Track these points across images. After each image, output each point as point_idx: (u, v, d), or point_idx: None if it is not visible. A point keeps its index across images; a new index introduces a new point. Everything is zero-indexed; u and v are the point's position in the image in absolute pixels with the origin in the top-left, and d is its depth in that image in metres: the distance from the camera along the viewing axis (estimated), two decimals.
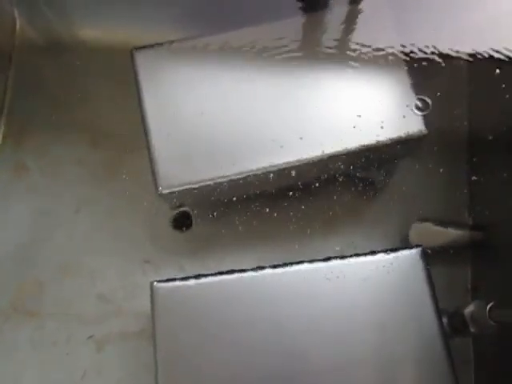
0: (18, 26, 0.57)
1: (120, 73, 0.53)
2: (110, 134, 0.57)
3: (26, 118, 0.57)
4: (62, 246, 0.53)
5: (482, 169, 0.54)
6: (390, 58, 0.46)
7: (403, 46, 0.47)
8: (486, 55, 0.50)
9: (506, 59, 0.48)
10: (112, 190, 0.55)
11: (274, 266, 0.42)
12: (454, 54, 0.52)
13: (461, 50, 0.52)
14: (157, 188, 0.43)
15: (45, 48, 0.59)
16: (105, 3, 0.57)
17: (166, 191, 0.43)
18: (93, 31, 0.58)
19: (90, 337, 0.51)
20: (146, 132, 0.43)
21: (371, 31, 0.46)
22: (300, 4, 0.50)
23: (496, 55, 0.49)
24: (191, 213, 0.54)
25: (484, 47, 0.51)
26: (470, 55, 0.52)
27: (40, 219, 0.54)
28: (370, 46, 0.46)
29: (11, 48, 0.57)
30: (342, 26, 0.46)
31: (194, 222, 0.54)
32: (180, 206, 0.54)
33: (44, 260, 0.53)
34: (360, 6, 0.47)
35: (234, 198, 0.51)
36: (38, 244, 0.54)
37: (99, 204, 0.55)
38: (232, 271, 0.42)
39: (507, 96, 0.48)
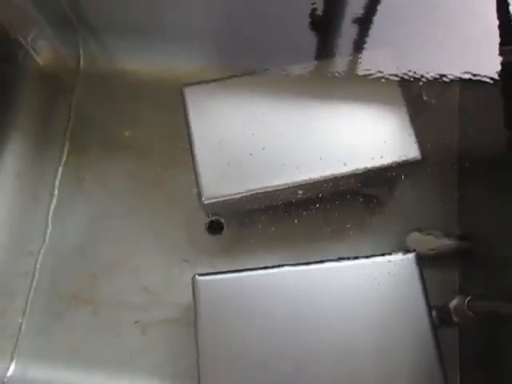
0: (81, 64, 0.64)
1: (166, 103, 0.61)
2: (154, 153, 0.61)
3: (85, 139, 0.62)
4: (113, 246, 0.58)
5: (469, 187, 0.57)
6: (392, 96, 0.51)
7: (403, 84, 0.52)
8: (474, 79, 0.53)
9: (492, 83, 0.51)
10: (155, 200, 0.59)
11: (292, 265, 0.47)
12: (444, 81, 0.55)
13: (450, 74, 0.55)
14: (200, 199, 0.48)
15: (102, 81, 0.64)
16: (157, 44, 0.63)
17: (208, 202, 0.48)
18: (145, 67, 0.64)
19: (136, 322, 0.56)
20: (192, 154, 0.49)
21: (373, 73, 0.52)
22: (314, 52, 0.57)
23: (483, 79, 0.52)
24: (223, 220, 0.58)
25: (472, 72, 0.54)
26: (458, 80, 0.55)
27: (95, 222, 0.59)
28: (373, 87, 0.51)
29: (75, 82, 0.64)
30: (349, 71, 0.53)
31: (225, 228, 0.58)
32: (214, 214, 0.58)
33: (99, 258, 0.58)
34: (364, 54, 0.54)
35: (261, 208, 0.55)
36: (93, 243, 0.59)
37: (145, 211, 0.59)
38: (259, 268, 0.46)
39: (493, 120, 0.52)
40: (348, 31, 0.59)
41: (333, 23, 0.59)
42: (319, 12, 0.58)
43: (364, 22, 0.59)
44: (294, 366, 0.44)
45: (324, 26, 0.59)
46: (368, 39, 0.58)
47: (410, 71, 0.55)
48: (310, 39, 0.59)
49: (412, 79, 0.54)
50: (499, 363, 0.48)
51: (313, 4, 0.57)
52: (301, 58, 0.55)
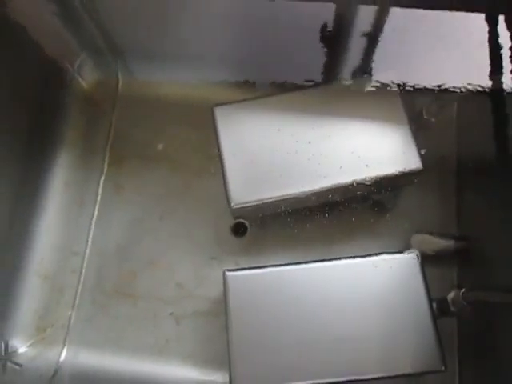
0: (120, 84, 0.69)
1: (194, 120, 0.65)
2: (185, 163, 0.65)
3: (124, 152, 0.67)
4: (149, 246, 0.62)
5: (466, 194, 0.61)
6: (396, 115, 0.54)
7: (406, 104, 0.55)
8: (472, 91, 0.56)
9: (490, 95, 0.55)
10: (186, 204, 0.63)
11: (309, 262, 0.50)
12: (443, 93, 0.58)
13: (449, 87, 0.58)
14: (229, 203, 0.52)
15: (138, 102, 0.68)
16: (185, 69, 0.68)
17: (236, 207, 0.53)
18: (175, 88, 0.68)
19: (171, 313, 0.59)
20: (222, 165, 0.53)
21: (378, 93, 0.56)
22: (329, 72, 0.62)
23: (481, 90, 0.55)
24: (246, 223, 0.62)
25: (469, 83, 0.57)
26: (457, 91, 0.58)
27: (133, 225, 0.63)
28: (380, 107, 0.55)
29: (114, 102, 0.68)
30: (359, 92, 0.56)
31: (248, 230, 0.62)
32: (238, 218, 0.61)
33: (137, 256, 0.62)
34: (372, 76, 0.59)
35: (280, 212, 0.58)
36: (132, 244, 0.62)
37: (177, 214, 0.63)
38: (280, 264, 0.51)
39: (490, 129, 0.54)
40: (357, 52, 0.63)
41: (342, 44, 0.63)
42: (330, 33, 0.61)
43: (371, 43, 0.63)
44: (309, 348, 0.47)
45: (334, 46, 0.63)
46: (375, 60, 0.62)
47: (412, 87, 0.58)
48: (323, 60, 0.64)
49: (414, 92, 0.58)
50: (493, 348, 0.51)
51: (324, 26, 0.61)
52: (315, 78, 0.60)
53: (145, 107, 0.68)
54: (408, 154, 0.53)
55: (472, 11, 0.53)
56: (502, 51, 0.52)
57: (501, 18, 0.52)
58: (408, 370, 0.47)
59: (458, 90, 0.58)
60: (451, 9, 0.53)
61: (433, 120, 0.57)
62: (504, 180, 0.51)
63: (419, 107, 0.58)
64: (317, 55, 0.63)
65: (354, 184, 0.53)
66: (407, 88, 0.58)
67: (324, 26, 0.60)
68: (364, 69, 0.62)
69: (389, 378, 0.47)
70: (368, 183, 0.54)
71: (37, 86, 0.63)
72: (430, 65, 0.61)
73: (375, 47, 0.62)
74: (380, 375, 0.47)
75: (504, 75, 0.53)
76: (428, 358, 0.47)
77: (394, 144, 0.54)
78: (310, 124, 0.55)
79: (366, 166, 0.54)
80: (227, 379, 0.47)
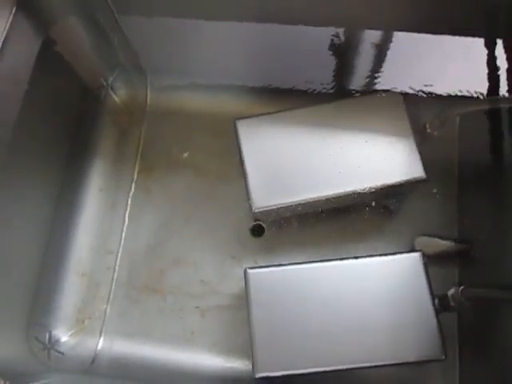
0: (149, 98, 0.73)
1: (217, 130, 0.69)
2: (208, 170, 0.68)
3: (152, 160, 0.70)
4: (176, 246, 0.65)
5: (466, 200, 0.63)
6: (402, 129, 0.57)
7: (411, 119, 0.58)
8: (473, 106, 0.57)
9: (489, 110, 0.56)
10: (210, 208, 0.67)
11: (321, 261, 0.53)
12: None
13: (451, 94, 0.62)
14: (251, 208, 0.56)
15: (165, 114, 0.72)
16: (209, 84, 0.71)
17: (257, 211, 0.56)
18: (200, 102, 0.72)
19: (196, 307, 0.62)
20: (244, 174, 0.57)
21: (384, 111, 0.59)
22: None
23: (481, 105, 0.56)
24: (264, 224, 0.66)
25: (470, 92, 0.60)
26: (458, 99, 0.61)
27: (161, 227, 0.66)
28: (387, 121, 0.58)
29: (144, 115, 0.72)
30: (367, 106, 0.59)
31: (265, 231, 0.65)
32: (257, 220, 0.65)
33: (164, 255, 0.65)
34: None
35: (296, 215, 0.61)
36: (160, 244, 0.65)
37: (201, 217, 0.66)
38: (296, 263, 0.53)
39: (488, 141, 0.57)
40: (366, 65, 0.67)
41: (351, 57, 0.68)
42: (341, 47, 0.66)
43: (378, 57, 0.67)
44: (323, 338, 0.50)
45: (344, 59, 0.68)
46: (382, 72, 0.67)
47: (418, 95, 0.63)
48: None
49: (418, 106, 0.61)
50: (490, 339, 0.54)
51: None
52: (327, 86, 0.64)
53: (171, 119, 0.71)
54: (412, 164, 0.57)
55: (471, 36, 0.56)
56: (500, 72, 0.55)
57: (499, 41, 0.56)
58: (412, 358, 0.50)
59: (460, 103, 0.62)
60: (451, 34, 0.57)
61: (435, 133, 0.60)
62: (500, 188, 0.55)
63: (423, 121, 0.60)
64: (329, 66, 0.67)
65: (364, 191, 0.56)
66: (413, 98, 0.62)
67: (335, 41, 0.65)
68: (372, 81, 0.67)
69: (395, 365, 0.50)
70: (376, 190, 0.57)
71: (75, 101, 0.68)
72: (433, 76, 0.66)
73: (383, 61, 0.67)
74: (387, 363, 0.50)
75: (501, 93, 0.57)
76: (430, 348, 0.49)
77: (399, 154, 0.57)
78: (323, 136, 0.59)
79: (375, 174, 0.57)
80: (249, 366, 0.50)
